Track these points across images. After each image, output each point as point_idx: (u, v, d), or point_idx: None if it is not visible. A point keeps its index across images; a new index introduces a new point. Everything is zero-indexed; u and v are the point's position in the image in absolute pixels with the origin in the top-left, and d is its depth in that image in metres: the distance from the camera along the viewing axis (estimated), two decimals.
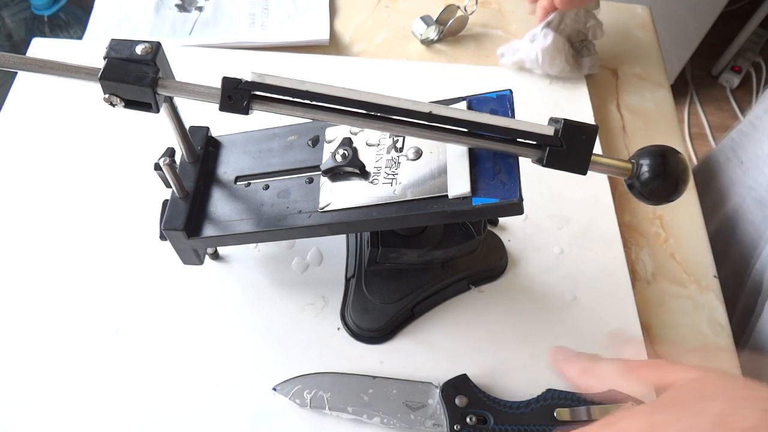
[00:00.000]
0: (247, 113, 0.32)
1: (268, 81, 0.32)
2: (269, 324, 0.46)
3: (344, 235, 0.49)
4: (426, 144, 0.37)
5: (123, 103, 0.33)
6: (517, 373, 0.44)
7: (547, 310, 0.47)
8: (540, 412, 0.40)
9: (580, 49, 0.60)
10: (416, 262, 0.44)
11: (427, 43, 0.64)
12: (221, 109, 0.32)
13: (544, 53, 0.58)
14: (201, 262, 0.43)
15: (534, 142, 0.33)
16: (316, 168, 0.40)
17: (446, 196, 0.35)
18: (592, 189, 0.53)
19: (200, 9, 0.66)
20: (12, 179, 0.52)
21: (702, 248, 0.52)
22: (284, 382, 0.42)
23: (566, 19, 0.58)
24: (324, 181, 0.39)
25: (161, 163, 0.37)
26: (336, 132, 0.40)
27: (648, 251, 0.52)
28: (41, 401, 0.42)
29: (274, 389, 0.42)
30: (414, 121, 0.33)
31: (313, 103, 0.32)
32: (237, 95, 0.32)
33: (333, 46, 0.63)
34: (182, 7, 0.66)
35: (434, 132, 0.33)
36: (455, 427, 0.40)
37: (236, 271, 0.48)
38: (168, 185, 0.40)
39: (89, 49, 0.59)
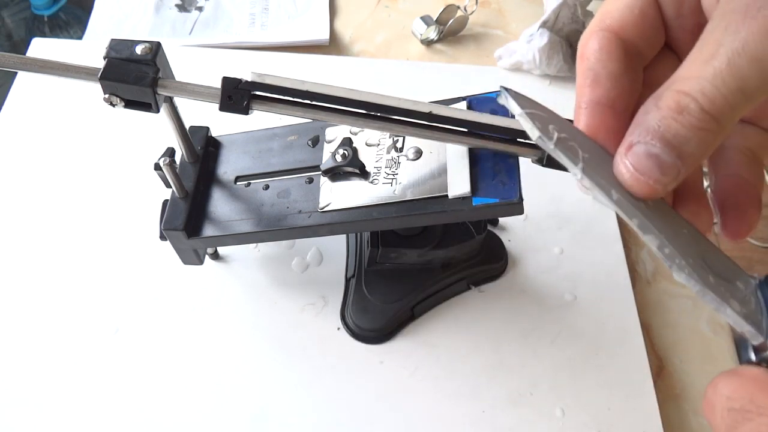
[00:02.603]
0: (247, 113, 0.32)
1: (268, 81, 0.32)
2: (269, 324, 0.46)
3: (344, 235, 0.49)
4: (426, 144, 0.37)
5: (123, 103, 0.33)
6: (516, 373, 0.44)
7: (547, 310, 0.47)
8: None
9: None
10: (416, 262, 0.44)
11: (427, 43, 0.64)
12: (221, 109, 0.32)
13: (541, 53, 0.58)
14: (201, 262, 0.43)
15: (534, 142, 0.33)
16: (316, 168, 0.40)
17: (446, 196, 0.35)
18: None
19: (200, 9, 0.66)
20: (12, 179, 0.52)
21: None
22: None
23: (562, 18, 0.58)
24: (324, 181, 0.39)
25: (161, 163, 0.37)
26: (336, 132, 0.40)
27: (648, 251, 0.52)
28: (41, 401, 0.42)
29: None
30: (414, 121, 0.33)
31: (313, 103, 0.32)
32: (237, 95, 0.32)
33: (333, 46, 0.63)
34: (182, 7, 0.66)
35: (434, 132, 0.33)
36: None
37: (236, 271, 0.48)
38: (168, 185, 0.40)
39: (89, 49, 0.59)
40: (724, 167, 0.26)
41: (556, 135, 0.23)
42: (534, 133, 0.23)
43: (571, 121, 0.25)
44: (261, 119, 0.36)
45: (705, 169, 0.27)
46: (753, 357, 0.21)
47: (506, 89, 0.24)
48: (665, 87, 0.21)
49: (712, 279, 0.22)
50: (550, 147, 0.23)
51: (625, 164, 0.21)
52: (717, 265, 0.23)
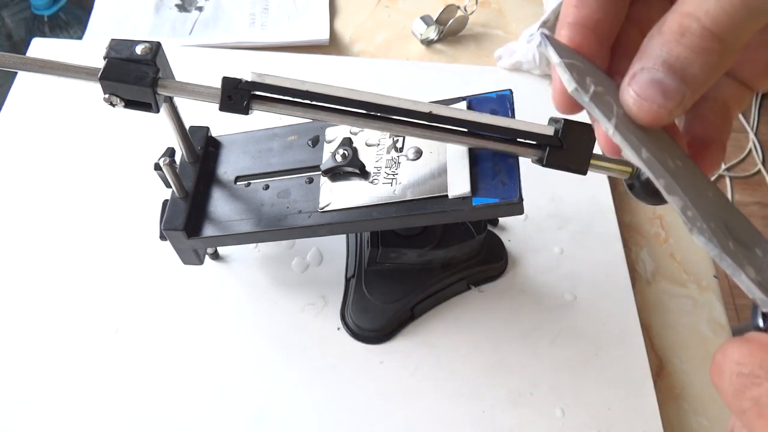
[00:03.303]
0: (247, 113, 0.32)
1: (268, 81, 0.32)
2: (269, 324, 0.46)
3: (344, 235, 0.49)
4: (426, 144, 0.37)
5: (123, 103, 0.33)
6: (516, 373, 0.44)
7: (547, 310, 0.47)
8: None
9: None
10: (416, 262, 0.44)
11: (427, 43, 0.64)
12: (221, 109, 0.32)
13: (541, 53, 0.58)
14: (201, 262, 0.43)
15: (534, 142, 0.33)
16: (316, 168, 0.40)
17: (446, 196, 0.35)
18: (592, 189, 0.53)
19: (200, 9, 0.66)
20: (12, 179, 0.51)
21: (702, 248, 0.52)
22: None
23: None
24: (324, 181, 0.39)
25: (161, 163, 0.37)
26: (336, 132, 0.40)
27: (648, 251, 0.52)
28: (41, 401, 0.42)
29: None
30: (414, 121, 0.33)
31: (313, 103, 0.32)
32: (237, 95, 0.32)
33: (333, 46, 0.63)
34: (182, 7, 0.66)
35: (434, 132, 0.33)
36: None
37: (236, 271, 0.48)
38: (168, 185, 0.40)
39: (89, 49, 0.59)
40: (693, 113, 0.25)
41: (592, 88, 0.22)
42: (570, 85, 0.22)
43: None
44: (261, 119, 0.36)
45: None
46: (761, 324, 0.21)
47: (546, 36, 0.24)
48: (670, 12, 0.21)
49: (731, 244, 0.22)
50: (585, 100, 0.22)
51: (629, 92, 0.21)
52: (738, 230, 0.23)
